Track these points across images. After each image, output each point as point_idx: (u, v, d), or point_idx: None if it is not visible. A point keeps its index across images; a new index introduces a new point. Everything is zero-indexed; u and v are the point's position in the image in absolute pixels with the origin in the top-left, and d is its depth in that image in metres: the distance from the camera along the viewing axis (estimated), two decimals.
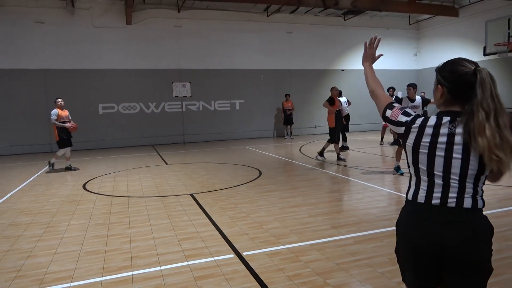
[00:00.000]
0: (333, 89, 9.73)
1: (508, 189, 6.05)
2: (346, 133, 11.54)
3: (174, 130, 15.07)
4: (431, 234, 1.59)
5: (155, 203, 5.86)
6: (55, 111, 8.91)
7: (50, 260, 3.75)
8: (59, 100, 9.16)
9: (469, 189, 1.56)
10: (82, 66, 13.69)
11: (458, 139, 1.54)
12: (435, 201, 1.59)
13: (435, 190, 1.60)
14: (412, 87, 7.78)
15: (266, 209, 5.27)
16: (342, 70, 17.22)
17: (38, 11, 13.00)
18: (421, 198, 1.64)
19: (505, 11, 12.96)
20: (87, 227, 4.78)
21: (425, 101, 7.84)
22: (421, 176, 1.64)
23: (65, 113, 9.13)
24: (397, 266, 3.39)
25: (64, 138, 9.06)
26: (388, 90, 12.74)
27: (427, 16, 16.90)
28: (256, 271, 3.33)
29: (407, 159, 1.73)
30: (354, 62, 17.32)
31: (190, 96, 15.16)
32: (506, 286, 2.95)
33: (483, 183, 1.61)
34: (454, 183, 1.56)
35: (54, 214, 5.44)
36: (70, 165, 9.32)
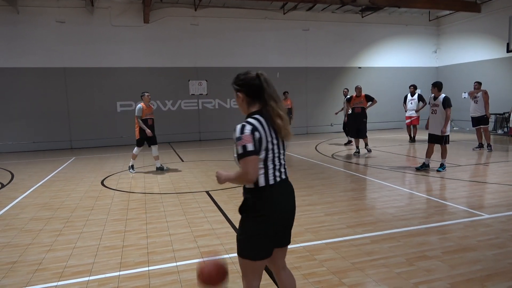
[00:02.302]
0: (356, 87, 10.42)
1: None
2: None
3: (190, 128, 15.19)
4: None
5: (171, 200, 5.92)
6: (140, 106, 8.13)
7: (69, 254, 3.84)
8: (147, 93, 8.30)
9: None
10: (101, 65, 13.93)
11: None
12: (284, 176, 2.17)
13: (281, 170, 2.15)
14: (434, 86, 7.49)
15: None
16: (359, 67, 17.00)
17: (58, 11, 13.28)
18: (271, 179, 2.08)
19: None
20: (105, 222, 4.87)
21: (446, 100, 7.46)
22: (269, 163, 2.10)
23: (149, 109, 8.34)
24: (415, 267, 3.35)
25: (143, 138, 8.32)
26: (409, 88, 12.52)
27: (447, 12, 16.49)
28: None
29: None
30: (372, 60, 17.08)
31: (206, 94, 15.25)
32: None
33: None
34: (283, 162, 2.17)
35: (73, 209, 5.56)
36: (161, 164, 8.70)
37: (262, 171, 2.04)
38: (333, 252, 3.67)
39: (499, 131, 14.30)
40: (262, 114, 2.07)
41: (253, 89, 2.10)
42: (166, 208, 5.47)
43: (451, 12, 16.28)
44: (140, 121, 8.20)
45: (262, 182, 2.04)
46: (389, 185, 6.52)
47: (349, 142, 12.15)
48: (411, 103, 12.24)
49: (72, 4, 13.40)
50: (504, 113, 14.08)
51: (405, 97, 12.57)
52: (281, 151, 2.14)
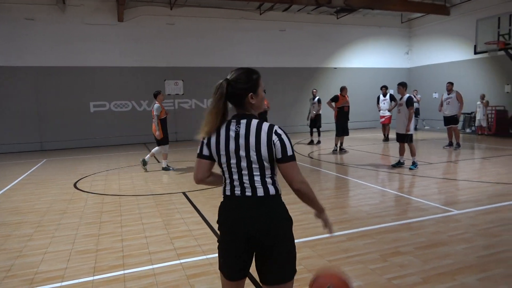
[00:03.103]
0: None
1: (497, 185, 6.13)
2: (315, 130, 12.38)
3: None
4: None
5: (147, 202, 5.83)
6: (158, 106, 8.07)
7: (40, 259, 3.71)
8: (162, 93, 8.38)
9: None
10: (73, 64, 13.55)
11: None
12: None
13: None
14: (401, 86, 7.94)
15: None
16: (335, 68, 17.27)
17: (27, 7, 12.83)
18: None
19: (495, 10, 13.09)
20: (78, 226, 4.74)
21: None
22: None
23: (163, 109, 8.31)
24: (389, 262, 3.43)
25: (167, 135, 8.41)
26: (381, 89, 12.83)
27: (418, 14, 16.99)
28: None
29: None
30: (347, 60, 17.38)
31: (183, 94, 15.10)
32: (495, 282, 2.99)
33: None
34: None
35: (44, 213, 5.38)
36: (167, 164, 8.65)
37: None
38: (310, 251, 3.71)
39: (467, 130, 14.86)
40: None
41: None
42: (142, 210, 5.38)
43: (422, 14, 16.79)
44: (158, 121, 8.13)
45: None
46: (364, 183, 6.65)
47: (312, 141, 12.44)
48: (384, 103, 12.55)
49: (42, 1, 12.97)
50: (471, 113, 14.63)
51: (378, 98, 12.89)
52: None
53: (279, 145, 1.79)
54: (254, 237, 1.84)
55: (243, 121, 1.87)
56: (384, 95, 12.62)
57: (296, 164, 1.82)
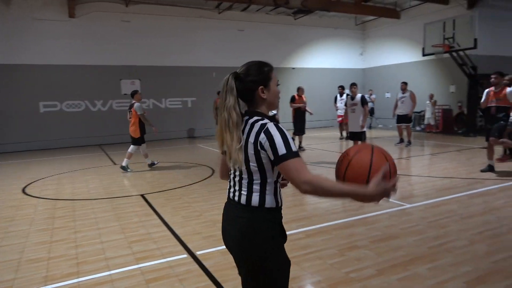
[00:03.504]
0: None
1: (444, 180, 6.53)
2: None
3: (123, 129, 14.46)
4: None
5: (103, 206, 5.61)
6: (139, 105, 8.24)
7: None
8: (139, 92, 8.59)
9: None
10: (21, 61, 12.73)
11: None
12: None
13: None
14: (354, 86, 8.35)
15: (220, 207, 5.21)
16: (293, 68, 17.56)
17: None
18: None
19: (441, 15, 13.92)
20: (28, 233, 4.47)
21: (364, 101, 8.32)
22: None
23: None
24: (347, 257, 3.55)
25: (144, 135, 8.47)
26: (338, 88, 13.21)
27: (371, 17, 17.69)
28: (210, 270, 3.32)
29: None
30: (304, 60, 17.73)
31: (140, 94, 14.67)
32: (443, 270, 3.18)
33: None
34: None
35: None
36: (152, 161, 8.84)
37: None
38: None
39: (417, 128, 15.69)
40: None
41: None
42: (97, 214, 5.18)
43: (374, 17, 17.49)
44: (146, 118, 8.31)
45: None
46: None
47: None
48: (341, 103, 12.94)
49: None
50: (421, 111, 15.47)
51: (335, 97, 13.28)
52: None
53: (268, 145, 1.57)
54: (231, 248, 1.78)
55: (245, 119, 1.69)
56: (341, 95, 13.00)
57: (292, 163, 1.53)
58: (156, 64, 14.73)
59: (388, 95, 17.42)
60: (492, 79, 7.04)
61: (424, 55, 14.02)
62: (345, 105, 8.40)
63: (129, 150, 8.42)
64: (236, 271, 3.23)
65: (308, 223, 4.48)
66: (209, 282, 3.10)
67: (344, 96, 12.87)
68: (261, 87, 1.71)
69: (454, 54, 12.90)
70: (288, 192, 6.11)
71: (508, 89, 6.69)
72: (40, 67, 13.03)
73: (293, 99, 10.81)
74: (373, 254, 3.54)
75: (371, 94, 16.86)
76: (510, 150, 8.10)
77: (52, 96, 13.28)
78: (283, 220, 1.78)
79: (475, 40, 11.96)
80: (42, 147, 13.11)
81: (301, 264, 3.37)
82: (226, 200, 1.84)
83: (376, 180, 1.48)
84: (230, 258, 3.50)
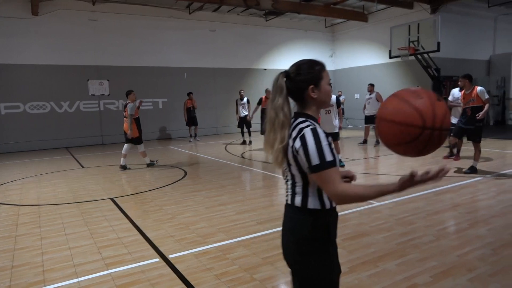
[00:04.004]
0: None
1: None
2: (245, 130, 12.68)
3: (91, 131, 14.09)
4: None
5: (70, 211, 5.42)
6: (133, 105, 8.27)
7: None
8: (133, 92, 8.53)
9: None
10: None
11: None
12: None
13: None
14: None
15: (193, 209, 5.20)
16: (265, 69, 17.66)
17: None
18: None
19: (406, 19, 14.43)
20: None
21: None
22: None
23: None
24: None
25: (141, 134, 8.59)
26: None
27: (340, 20, 18.07)
28: (183, 273, 3.28)
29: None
30: (276, 62, 17.86)
31: (109, 95, 14.31)
32: (411, 265, 3.30)
33: None
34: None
35: None
36: (150, 160, 8.93)
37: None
38: (244, 250, 3.75)
39: None
40: None
41: None
42: (65, 219, 5.00)
43: (343, 20, 17.88)
44: (133, 120, 8.35)
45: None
46: None
47: (244, 142, 12.64)
48: None
49: None
50: None
51: None
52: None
53: (302, 152, 1.53)
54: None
55: (291, 120, 1.65)
56: None
57: (325, 174, 1.48)
58: (125, 64, 14.40)
59: (357, 96, 17.85)
60: (460, 82, 7.29)
61: (391, 57, 14.48)
62: None
63: (123, 150, 8.54)
64: (209, 273, 3.23)
65: None
66: (183, 286, 3.06)
67: None
68: (311, 86, 1.64)
69: (419, 56, 13.40)
70: (260, 193, 6.13)
71: (478, 88, 6.92)
72: (1, 66, 12.43)
73: (260, 102, 11.43)
74: (345, 252, 3.62)
75: (340, 95, 17.22)
76: (457, 149, 8.38)
77: (14, 97, 12.70)
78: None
79: (438, 43, 12.46)
80: (5, 150, 12.51)
81: (276, 264, 3.39)
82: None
83: (403, 178, 1.41)
84: (203, 261, 3.49)
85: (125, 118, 8.44)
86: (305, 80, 1.64)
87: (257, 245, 3.87)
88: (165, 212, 5.10)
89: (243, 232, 4.25)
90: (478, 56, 16.06)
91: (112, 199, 5.96)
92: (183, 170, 8.33)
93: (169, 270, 3.35)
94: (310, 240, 1.62)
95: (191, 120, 14.17)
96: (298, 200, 1.64)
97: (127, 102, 8.40)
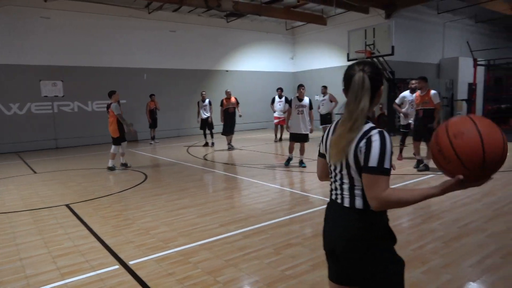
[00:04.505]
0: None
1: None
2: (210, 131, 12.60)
3: (44, 135, 13.37)
4: None
5: (22, 219, 5.12)
6: (116, 105, 8.27)
7: None
8: (117, 92, 8.49)
9: None
10: None
11: None
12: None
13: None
14: (302, 87, 8.60)
15: (153, 213, 5.08)
16: (227, 71, 17.62)
17: None
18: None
19: (363, 23, 14.95)
20: None
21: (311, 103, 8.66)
22: None
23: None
24: (282, 255, 3.64)
25: (123, 134, 8.52)
26: (276, 90, 13.37)
27: (300, 23, 18.41)
28: (144, 279, 3.19)
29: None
30: (238, 63, 17.89)
31: (63, 96, 13.65)
32: None
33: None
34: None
35: None
36: (125, 161, 8.95)
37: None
38: (207, 253, 3.72)
39: None
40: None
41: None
42: (16, 228, 4.71)
43: (303, 23, 18.24)
44: (124, 119, 8.39)
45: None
46: (257, 181, 6.94)
47: (207, 143, 12.59)
48: (279, 105, 13.18)
49: None
50: None
51: (273, 99, 13.45)
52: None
53: (364, 151, 1.55)
54: (333, 251, 1.75)
55: None
56: (280, 97, 13.24)
57: (376, 179, 1.50)
58: (81, 64, 13.81)
59: (317, 97, 18.24)
60: (415, 84, 7.63)
61: (348, 60, 14.92)
62: (290, 106, 8.46)
63: (112, 150, 8.53)
64: (171, 278, 3.17)
65: (245, 224, 4.53)
66: None
67: (283, 98, 13.10)
68: (382, 86, 1.69)
69: (375, 59, 13.93)
70: (223, 195, 6.11)
71: (432, 91, 7.27)
72: None
73: (222, 103, 11.68)
74: (307, 250, 3.68)
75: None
76: (400, 149, 8.77)
77: None
78: None
79: (393, 47, 13.03)
80: None
81: (239, 266, 3.39)
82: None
83: (447, 182, 1.45)
84: (165, 266, 3.42)
85: (110, 120, 8.41)
86: (380, 80, 1.67)
87: (220, 247, 3.85)
88: (124, 218, 4.94)
89: (205, 235, 4.22)
90: (429, 60, 16.96)
91: (67, 205, 5.69)
92: (143, 173, 8.12)
93: (130, 277, 3.26)
94: (374, 239, 1.63)
95: (155, 122, 14.00)
96: (359, 202, 1.64)
97: (110, 102, 8.36)
